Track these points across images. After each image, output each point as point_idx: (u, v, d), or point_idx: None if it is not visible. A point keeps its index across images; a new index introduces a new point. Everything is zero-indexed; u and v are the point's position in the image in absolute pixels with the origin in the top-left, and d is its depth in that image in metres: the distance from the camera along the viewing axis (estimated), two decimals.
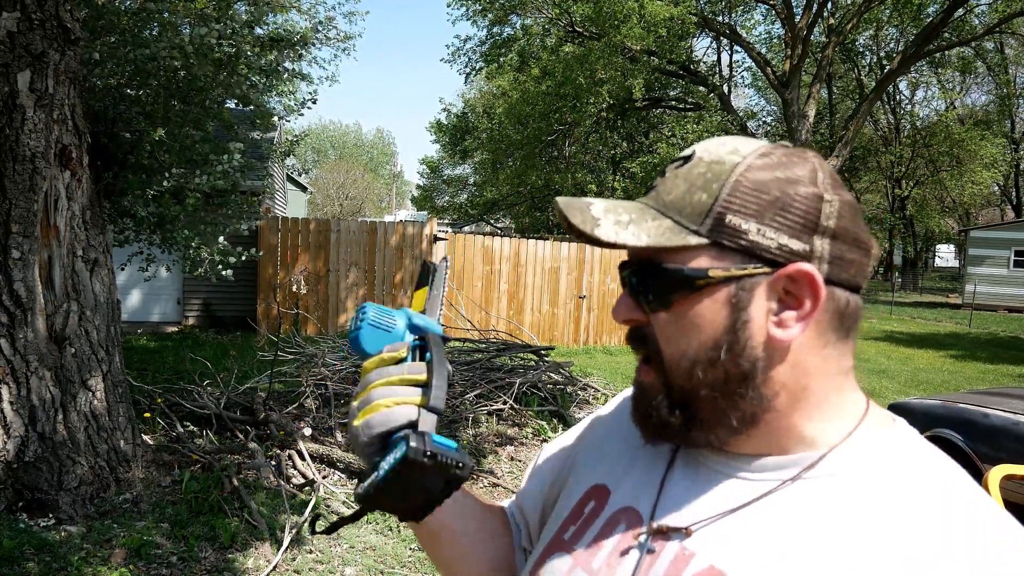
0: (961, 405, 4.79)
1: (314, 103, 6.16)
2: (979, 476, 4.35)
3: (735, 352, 0.62)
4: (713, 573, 0.62)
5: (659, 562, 0.65)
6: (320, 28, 5.48)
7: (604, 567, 0.69)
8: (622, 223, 0.63)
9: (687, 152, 0.66)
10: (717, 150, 0.64)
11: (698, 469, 0.68)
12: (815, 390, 0.63)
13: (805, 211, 0.61)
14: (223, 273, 5.65)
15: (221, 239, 5.56)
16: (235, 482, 4.26)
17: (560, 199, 0.67)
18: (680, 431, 0.66)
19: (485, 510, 0.90)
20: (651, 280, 0.64)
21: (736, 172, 0.62)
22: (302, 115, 7.70)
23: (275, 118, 5.80)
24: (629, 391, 0.79)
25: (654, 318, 0.65)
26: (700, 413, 0.64)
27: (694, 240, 0.61)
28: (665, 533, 0.66)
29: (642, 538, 0.68)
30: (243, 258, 5.76)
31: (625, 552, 0.68)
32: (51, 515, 3.81)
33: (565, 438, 0.90)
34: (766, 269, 0.61)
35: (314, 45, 5.64)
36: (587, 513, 0.75)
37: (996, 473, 2.78)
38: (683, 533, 0.65)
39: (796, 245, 0.60)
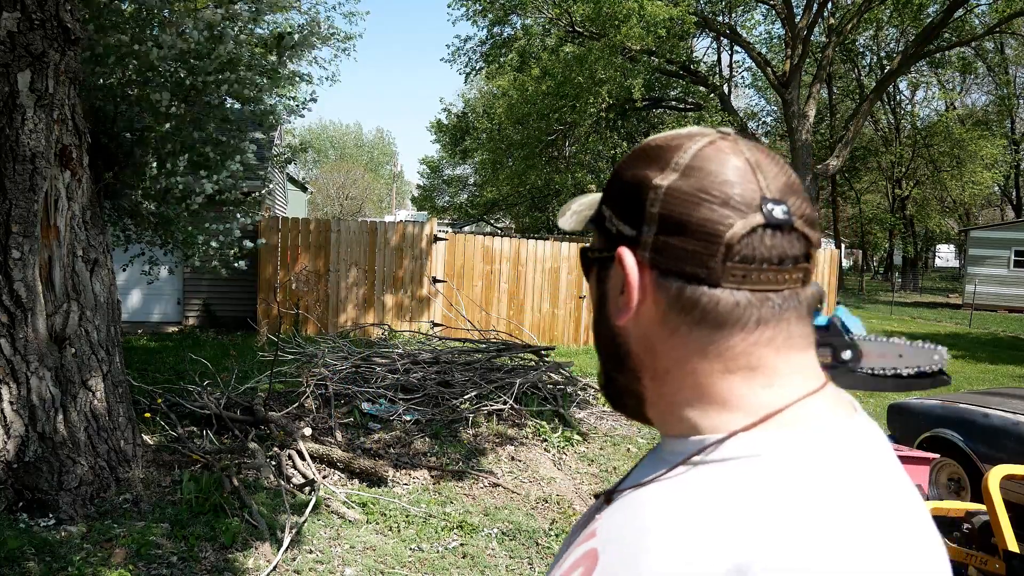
0: (961, 405, 4.79)
1: (314, 101, 6.16)
2: (979, 476, 4.35)
3: (603, 325, 0.68)
4: (592, 547, 0.63)
5: (586, 530, 0.67)
6: (318, 39, 5.49)
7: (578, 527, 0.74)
8: (573, 213, 0.73)
9: None
10: None
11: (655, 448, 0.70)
12: (680, 376, 0.62)
13: (635, 198, 0.63)
14: (236, 265, 5.70)
15: (237, 232, 5.60)
16: (235, 482, 4.26)
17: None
18: (607, 394, 0.71)
19: None
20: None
21: (624, 160, 0.67)
22: (302, 116, 7.72)
23: (274, 117, 5.80)
24: None
25: None
26: (607, 380, 0.70)
27: (590, 224, 0.69)
28: (603, 500, 0.69)
29: (602, 496, 0.71)
30: (253, 245, 5.82)
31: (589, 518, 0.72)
32: (51, 515, 3.81)
33: None
34: (610, 253, 0.65)
35: (316, 48, 5.64)
36: None
37: (996, 473, 2.78)
38: (605, 501, 0.68)
39: (627, 231, 0.63)
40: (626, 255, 0.62)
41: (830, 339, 0.81)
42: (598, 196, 0.71)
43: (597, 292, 0.68)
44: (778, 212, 0.60)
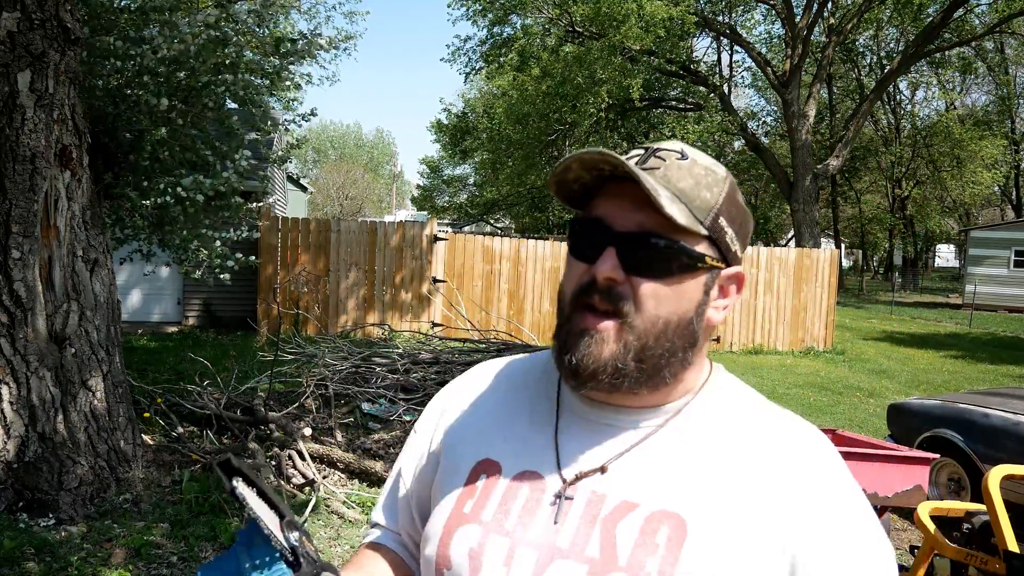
0: (961, 405, 4.79)
1: (314, 115, 6.16)
2: (979, 476, 4.35)
3: (695, 324, 0.76)
4: (627, 506, 0.73)
5: (574, 507, 0.74)
6: (318, 47, 5.48)
7: (518, 526, 0.75)
8: (672, 199, 0.72)
9: (673, 147, 0.77)
10: (702, 157, 0.77)
11: (588, 425, 0.79)
12: (703, 355, 0.81)
13: (747, 226, 0.79)
14: (221, 276, 5.64)
15: (218, 243, 5.54)
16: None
17: (611, 154, 0.72)
18: (625, 379, 0.74)
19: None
20: (657, 252, 0.73)
21: (727, 183, 0.76)
22: (300, 127, 7.67)
23: (274, 120, 5.81)
24: (480, 369, 0.92)
25: (638, 282, 0.73)
26: (650, 366, 0.74)
27: (702, 230, 0.73)
28: (577, 480, 0.75)
29: (555, 490, 0.76)
30: (241, 262, 5.74)
31: (535, 508, 0.75)
32: (51, 515, 3.81)
33: (418, 441, 0.92)
34: (723, 265, 0.77)
35: (319, 52, 5.64)
36: (481, 487, 0.79)
37: (996, 473, 2.78)
38: (599, 471, 0.75)
39: (739, 252, 0.78)
40: (743, 275, 0.80)
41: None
42: (711, 199, 0.75)
43: (701, 294, 0.76)
44: None
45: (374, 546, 0.94)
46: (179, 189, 4.86)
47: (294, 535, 0.72)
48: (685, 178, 0.74)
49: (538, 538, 0.73)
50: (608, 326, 0.73)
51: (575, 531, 0.73)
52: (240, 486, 0.75)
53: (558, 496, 0.75)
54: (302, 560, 0.69)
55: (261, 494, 0.77)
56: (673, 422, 0.77)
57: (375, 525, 0.96)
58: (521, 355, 0.93)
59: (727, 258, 0.76)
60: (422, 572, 0.81)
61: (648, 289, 0.73)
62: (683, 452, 0.75)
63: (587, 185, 0.77)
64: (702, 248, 0.74)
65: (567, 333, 0.75)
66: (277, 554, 0.70)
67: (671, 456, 0.75)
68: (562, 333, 0.76)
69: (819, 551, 0.70)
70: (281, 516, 0.74)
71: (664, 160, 0.75)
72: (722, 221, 0.74)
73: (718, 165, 0.77)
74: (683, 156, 0.75)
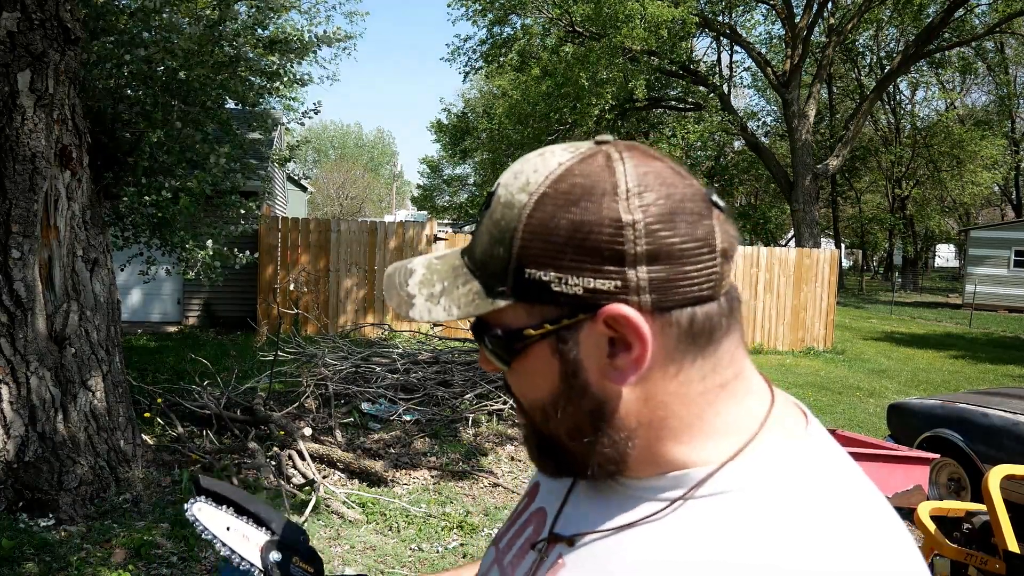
0: (961, 405, 4.79)
1: (317, 113, 6.18)
2: (979, 476, 4.35)
3: (575, 400, 0.58)
4: None
5: (542, 568, 0.64)
6: (318, 42, 5.50)
7: (510, 566, 0.69)
8: (434, 297, 0.60)
9: (493, 189, 0.60)
10: (512, 184, 0.57)
11: (599, 484, 0.64)
12: (680, 415, 0.57)
13: (605, 244, 0.53)
14: (212, 276, 5.64)
15: (210, 242, 5.54)
16: (235, 482, 4.26)
17: (388, 271, 0.65)
18: (559, 471, 0.64)
19: None
20: (483, 342, 0.61)
21: (523, 218, 0.55)
22: (302, 124, 7.69)
23: (274, 120, 5.83)
24: None
25: (504, 370, 0.62)
26: (567, 457, 0.61)
27: (502, 302, 0.57)
28: (555, 540, 0.64)
29: (541, 541, 0.66)
30: (238, 263, 5.74)
31: (526, 552, 0.68)
32: (51, 515, 3.82)
33: None
34: (581, 316, 0.55)
35: (316, 50, 5.66)
36: (519, 509, 0.75)
37: (996, 473, 2.79)
38: (566, 543, 0.63)
39: (605, 284, 0.53)
40: (628, 311, 0.53)
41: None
42: (502, 254, 0.57)
43: (558, 365, 0.57)
44: (718, 200, 0.56)
45: None
46: (176, 184, 4.87)
47: (274, 555, 0.67)
48: (482, 238, 0.59)
49: None
50: (522, 416, 0.65)
51: None
52: (205, 516, 0.71)
53: (540, 550, 0.66)
54: None
55: (243, 510, 0.73)
56: (686, 504, 0.57)
57: None
58: None
59: (582, 306, 0.54)
60: None
61: (509, 376, 0.62)
62: (671, 546, 0.56)
63: None
64: (517, 319, 0.57)
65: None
66: None
67: (652, 548, 0.57)
68: None
69: None
70: (272, 531, 0.71)
71: (481, 219, 0.61)
72: (530, 272, 0.55)
73: (526, 189, 0.56)
74: (487, 204, 0.59)
